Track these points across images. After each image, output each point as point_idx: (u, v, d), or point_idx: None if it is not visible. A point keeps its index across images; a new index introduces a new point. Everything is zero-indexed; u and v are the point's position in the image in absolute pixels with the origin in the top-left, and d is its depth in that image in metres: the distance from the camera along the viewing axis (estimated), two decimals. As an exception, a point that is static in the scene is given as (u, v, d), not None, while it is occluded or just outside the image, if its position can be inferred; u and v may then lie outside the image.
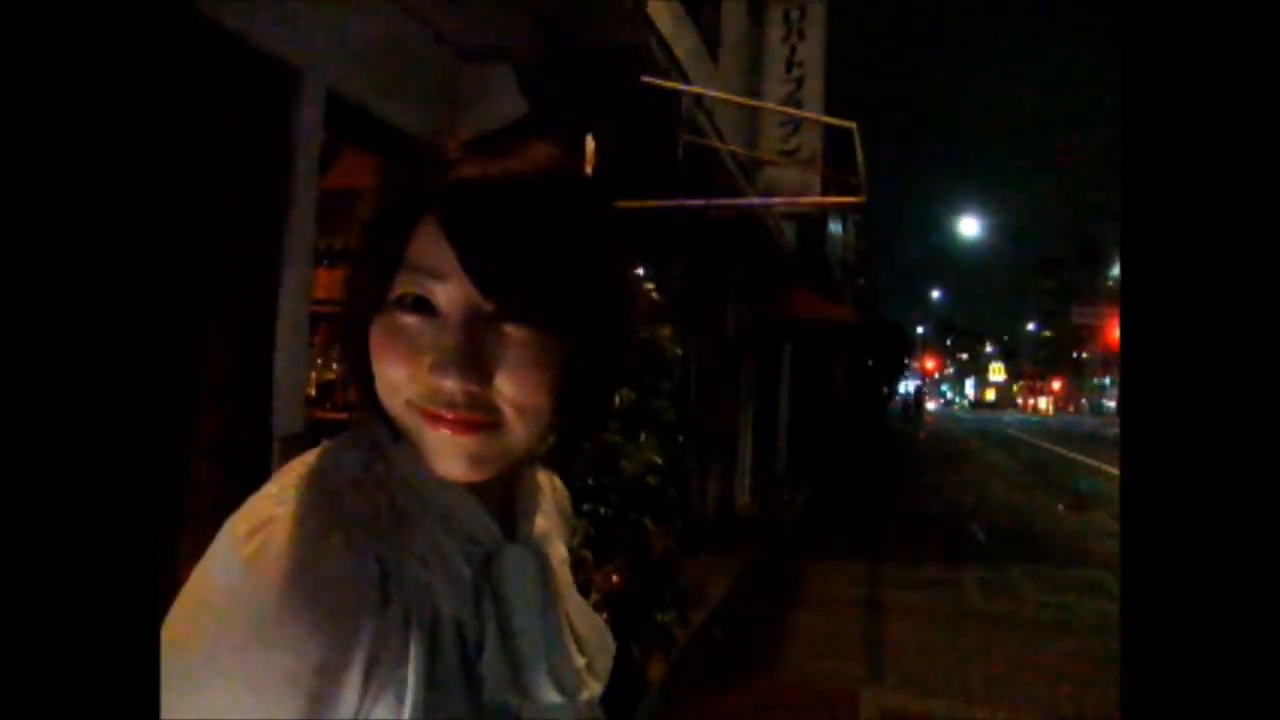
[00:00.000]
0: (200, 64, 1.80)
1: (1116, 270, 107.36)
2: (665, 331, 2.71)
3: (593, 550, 2.28)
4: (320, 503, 0.51)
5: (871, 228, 31.88)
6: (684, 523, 2.81)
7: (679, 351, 2.73)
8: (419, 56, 2.74)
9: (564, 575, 0.69)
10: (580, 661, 0.64)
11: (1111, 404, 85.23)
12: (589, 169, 2.91)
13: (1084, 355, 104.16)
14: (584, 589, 2.28)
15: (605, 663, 0.69)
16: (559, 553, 0.70)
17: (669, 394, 2.68)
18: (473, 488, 0.57)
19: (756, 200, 5.16)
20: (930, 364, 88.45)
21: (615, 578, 2.29)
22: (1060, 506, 11.46)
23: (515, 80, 2.85)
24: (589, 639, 0.67)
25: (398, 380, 0.53)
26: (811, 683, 4.25)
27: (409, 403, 0.53)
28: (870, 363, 27.14)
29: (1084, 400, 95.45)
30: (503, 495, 0.62)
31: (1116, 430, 36.91)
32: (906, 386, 54.97)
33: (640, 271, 5.49)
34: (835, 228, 17.34)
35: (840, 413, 20.16)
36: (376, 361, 0.54)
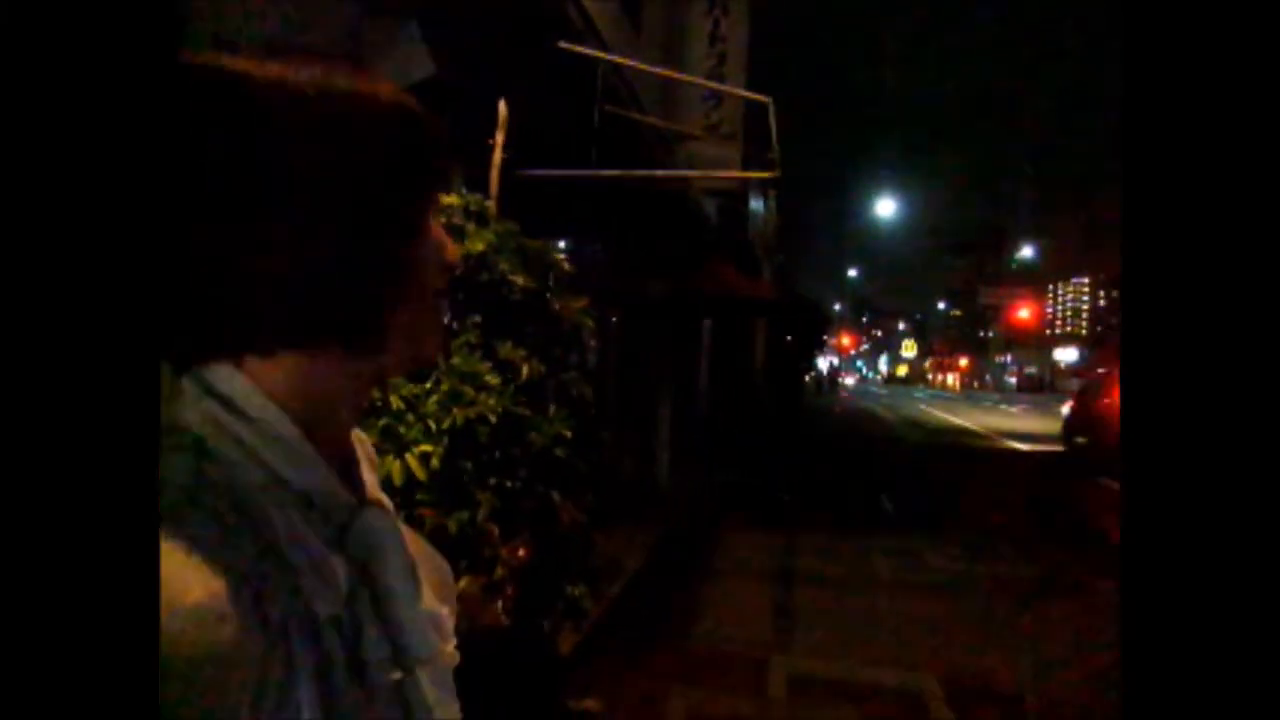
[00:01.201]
0: None
1: (1020, 253, 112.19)
2: (577, 303, 2.67)
3: (499, 524, 2.25)
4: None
5: (792, 206, 32.43)
6: (597, 495, 2.79)
7: (590, 323, 2.70)
8: (318, 6, 2.60)
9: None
10: (445, 610, 0.62)
11: (1012, 380, 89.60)
12: (501, 135, 2.83)
13: (989, 334, 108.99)
14: (490, 564, 2.25)
15: (451, 595, 0.68)
16: (382, 497, 0.66)
17: (580, 366, 2.65)
18: (320, 445, 0.53)
19: (671, 172, 5.14)
20: (847, 340, 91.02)
21: (522, 551, 2.26)
22: (963, 478, 11.99)
23: (422, 39, 2.74)
24: (437, 581, 0.65)
25: None
26: (722, 651, 4.33)
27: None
28: (789, 338, 27.70)
29: (988, 377, 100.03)
30: (342, 451, 0.59)
31: (1013, 405, 38.61)
32: (824, 362, 56.50)
33: (561, 243, 5.44)
34: (757, 205, 17.54)
35: (759, 387, 20.53)
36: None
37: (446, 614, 0.62)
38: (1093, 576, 5.92)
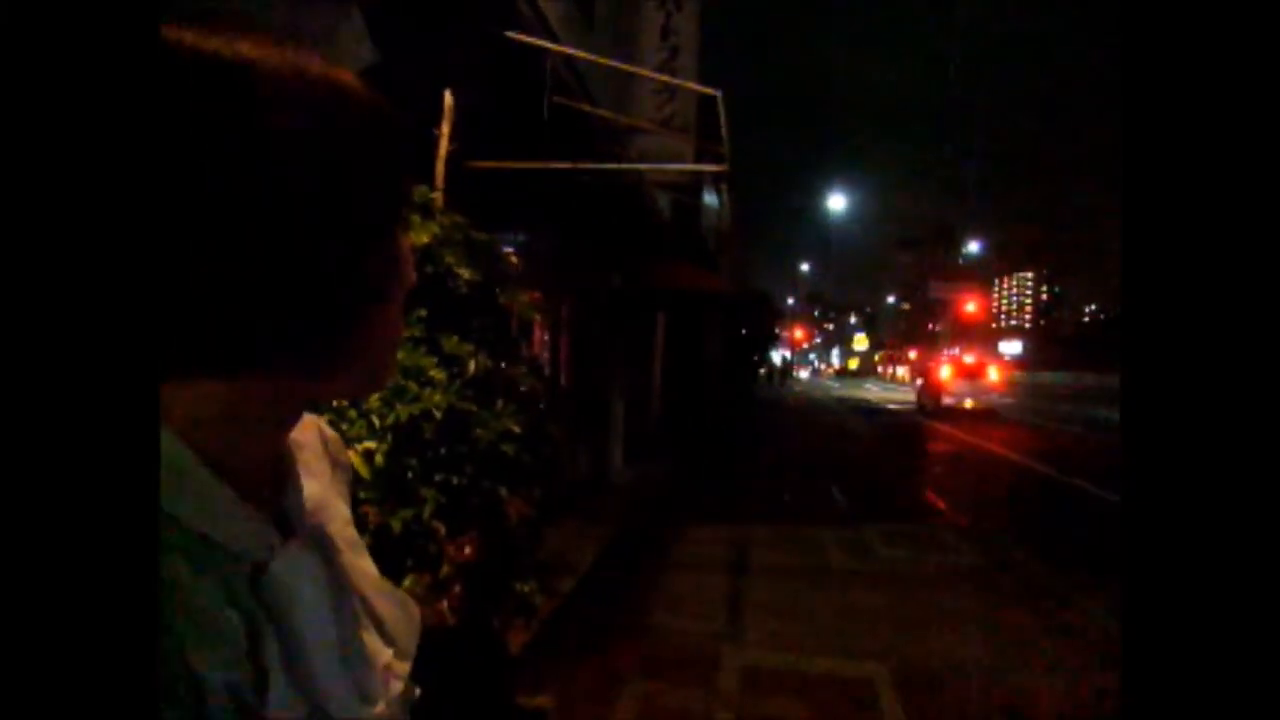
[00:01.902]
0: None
1: (968, 248, 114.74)
2: (523, 297, 2.64)
3: (445, 521, 2.21)
4: None
5: (747, 201, 32.64)
6: (548, 490, 2.77)
7: (538, 317, 2.67)
8: (254, -8, 2.51)
9: (349, 536, 0.60)
10: (386, 655, 0.56)
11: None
12: (446, 125, 2.78)
13: (937, 327, 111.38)
14: (435, 561, 2.21)
15: (411, 637, 0.61)
16: (341, 514, 0.61)
17: (529, 360, 2.62)
18: (237, 473, 0.47)
19: (621, 165, 5.12)
20: (799, 334, 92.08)
21: (468, 549, 2.22)
22: (911, 468, 12.23)
23: (365, 25, 2.67)
24: (391, 617, 0.59)
25: None
26: (675, 644, 4.34)
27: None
28: (743, 332, 27.91)
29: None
30: (270, 471, 0.53)
31: (963, 401, 39.63)
32: (777, 355, 57.24)
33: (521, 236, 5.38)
34: (710, 199, 17.60)
35: (713, 380, 20.65)
36: None
37: (392, 661, 0.56)
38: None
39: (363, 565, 0.60)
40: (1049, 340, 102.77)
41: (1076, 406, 26.73)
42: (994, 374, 27.55)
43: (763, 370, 42.06)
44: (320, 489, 0.59)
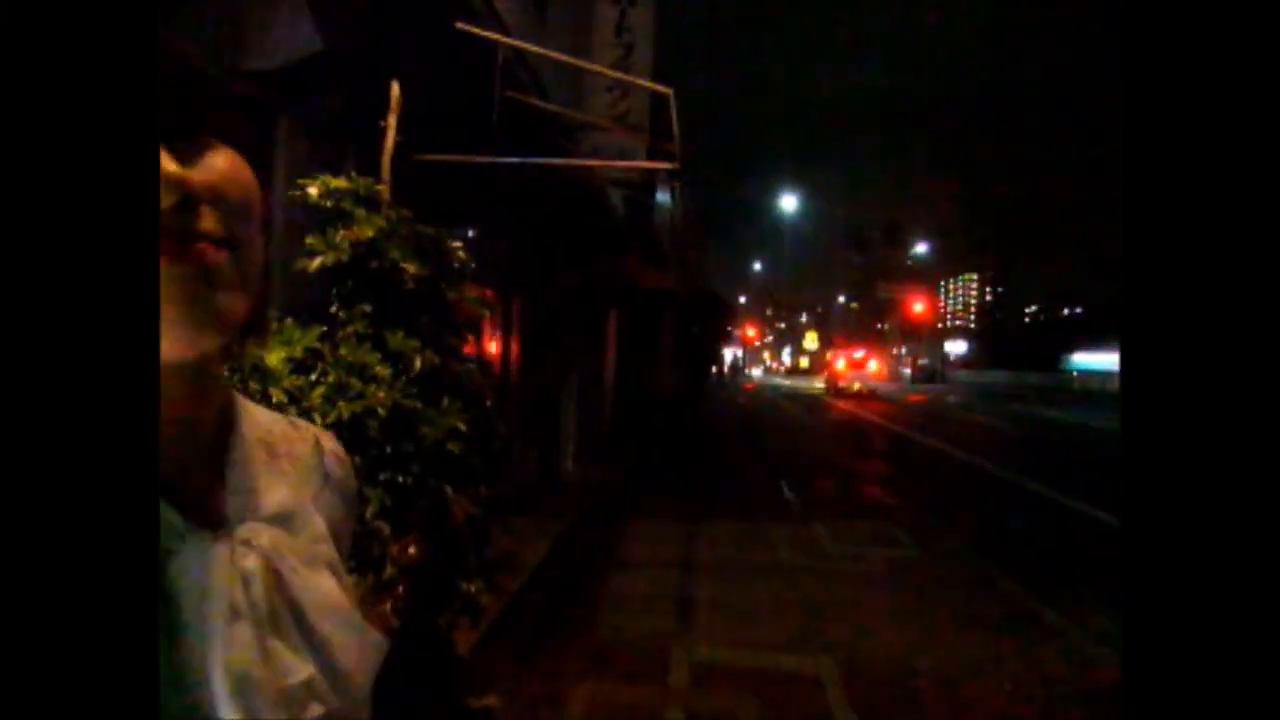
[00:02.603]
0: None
1: (916, 250, 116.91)
2: (472, 293, 2.60)
3: (389, 521, 2.16)
4: None
5: (700, 199, 32.78)
6: (496, 489, 2.73)
7: (486, 313, 2.63)
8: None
9: (316, 551, 0.59)
10: (303, 674, 0.54)
11: (907, 370, 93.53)
12: (393, 117, 2.72)
13: (886, 326, 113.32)
14: (379, 562, 2.16)
15: (359, 665, 0.59)
16: (312, 528, 0.60)
17: (476, 357, 2.58)
18: (169, 460, 0.47)
19: (570, 160, 5.08)
20: (752, 332, 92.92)
21: (413, 549, 2.18)
22: (860, 465, 12.43)
23: (309, 12, 2.60)
24: (339, 642, 0.57)
25: None
26: (626, 642, 4.34)
27: None
28: (696, 330, 28.03)
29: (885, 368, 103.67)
30: (191, 464, 0.52)
31: (912, 398, 40.95)
32: (730, 353, 57.90)
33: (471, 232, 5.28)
34: (664, 197, 17.63)
35: (666, 378, 20.70)
36: None
37: (315, 682, 0.54)
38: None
39: (317, 582, 0.58)
40: (992, 340, 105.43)
41: (930, 387, 41.35)
42: (873, 365, 43.11)
43: (715, 368, 42.39)
44: (292, 498, 0.58)
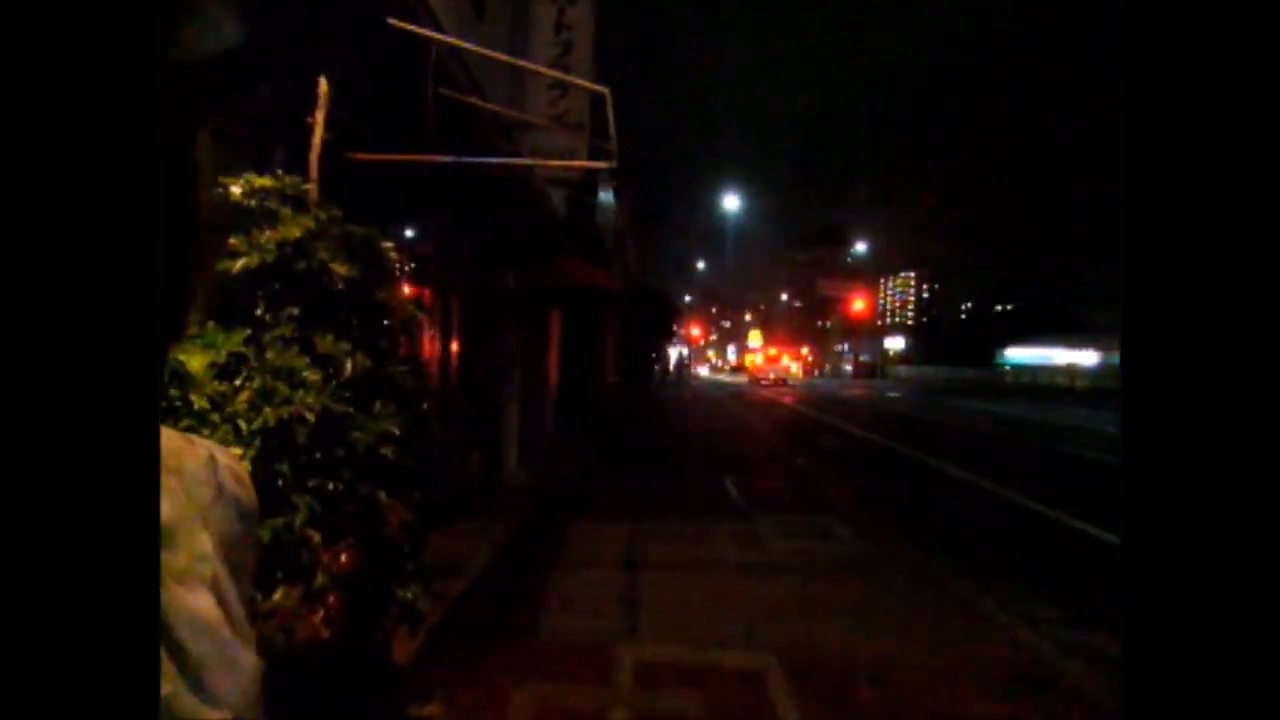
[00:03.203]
0: None
1: (856, 249, 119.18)
2: (406, 293, 2.55)
3: (320, 529, 2.10)
4: None
5: (645, 199, 32.86)
6: (433, 493, 2.68)
7: (420, 315, 2.59)
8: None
9: (195, 570, 0.57)
10: (160, 690, 0.51)
11: (848, 367, 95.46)
12: (321, 113, 2.65)
13: (828, 324, 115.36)
14: (308, 572, 2.10)
15: (232, 687, 0.57)
16: (194, 546, 0.58)
17: (411, 359, 2.53)
18: None
19: (507, 159, 5.03)
20: (696, 331, 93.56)
21: (344, 557, 2.13)
22: (802, 460, 12.62)
23: (231, 3, 2.51)
24: (211, 661, 0.56)
25: None
26: (570, 644, 4.31)
27: None
28: (641, 329, 28.09)
29: (827, 365, 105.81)
30: None
31: (851, 392, 41.73)
32: (675, 352, 58.34)
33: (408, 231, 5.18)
34: (605, 196, 17.61)
35: (610, 377, 20.68)
36: None
37: (176, 700, 0.52)
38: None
39: (190, 601, 0.56)
40: (929, 336, 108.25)
41: (870, 381, 53.43)
42: (785, 360, 61.30)
43: (659, 367, 42.61)
44: (173, 514, 0.56)
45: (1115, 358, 65.14)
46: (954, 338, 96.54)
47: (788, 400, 31.80)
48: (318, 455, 2.16)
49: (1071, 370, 60.92)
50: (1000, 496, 9.55)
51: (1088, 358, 66.35)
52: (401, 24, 3.26)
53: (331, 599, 2.09)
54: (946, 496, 9.69)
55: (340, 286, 2.38)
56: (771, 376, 51.66)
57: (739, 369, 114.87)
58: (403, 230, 5.80)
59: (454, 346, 6.93)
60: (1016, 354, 72.96)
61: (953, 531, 7.76)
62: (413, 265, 6.21)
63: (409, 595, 2.57)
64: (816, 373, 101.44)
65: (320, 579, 2.06)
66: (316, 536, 2.09)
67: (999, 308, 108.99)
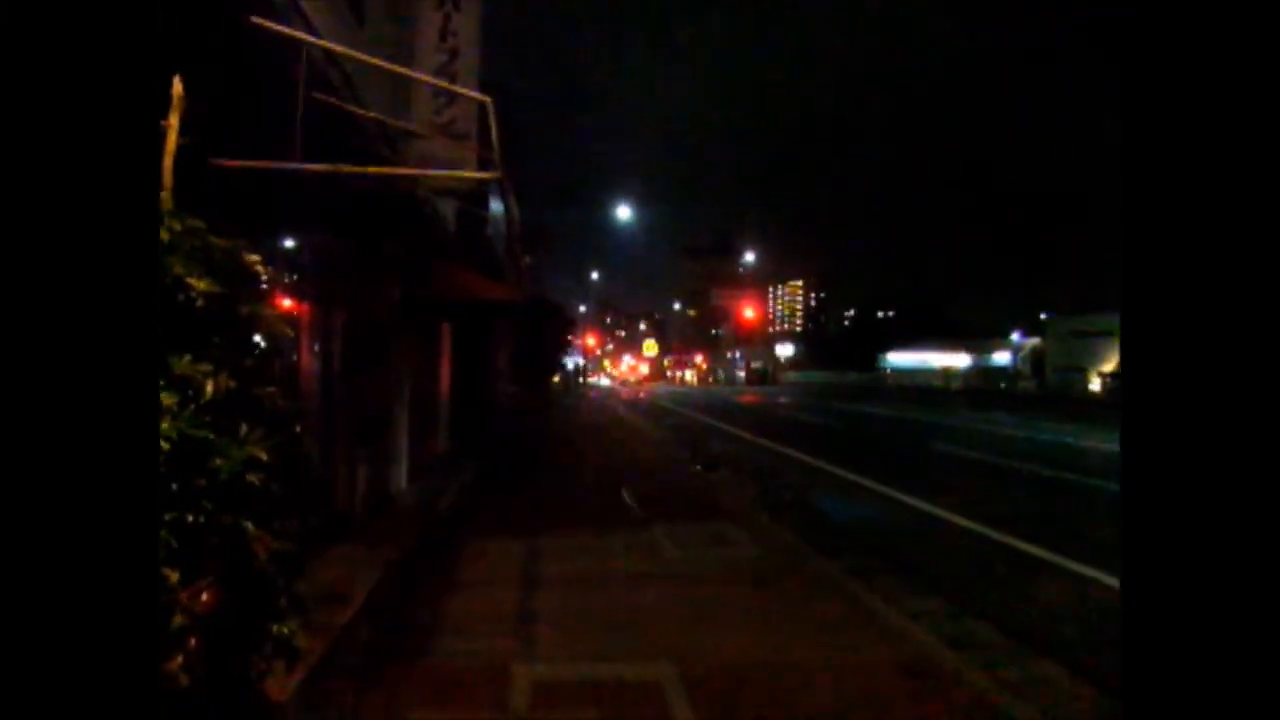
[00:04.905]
0: None
1: (745, 258, 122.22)
2: (272, 309, 2.40)
3: (178, 565, 1.94)
4: None
5: (538, 210, 32.70)
6: (309, 519, 2.53)
7: (289, 332, 2.44)
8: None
9: None
10: None
11: (741, 374, 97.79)
12: (175, 116, 2.47)
13: (720, 332, 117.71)
14: (165, 613, 1.93)
15: None
16: None
17: (280, 379, 2.38)
18: None
19: (386, 169, 4.87)
20: (592, 341, 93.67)
21: (205, 595, 1.97)
22: (698, 467, 12.77)
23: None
24: None
25: None
26: (464, 667, 4.18)
27: None
28: (536, 341, 27.85)
29: (720, 372, 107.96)
30: None
31: (743, 398, 42.73)
32: (572, 362, 58.36)
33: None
34: (497, 207, 17.37)
35: (505, 390, 20.39)
36: None
37: None
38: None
39: None
40: (817, 342, 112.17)
41: (761, 388, 62.76)
42: (643, 369, 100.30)
43: (556, 378, 42.46)
44: None
45: (985, 359, 69.48)
46: (840, 343, 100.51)
47: (684, 409, 32.24)
48: (174, 486, 1.99)
49: (948, 373, 64.52)
50: (886, 495, 9.94)
51: (961, 359, 70.49)
52: (266, 23, 3.09)
53: (192, 641, 1.93)
54: (835, 497, 10.01)
55: (200, 303, 2.21)
56: (634, 381, 70.05)
57: (625, 381, 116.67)
58: (280, 241, 5.52)
59: (337, 362, 6.64)
60: (897, 358, 76.77)
61: (842, 531, 8.01)
62: (294, 278, 5.91)
63: (285, 630, 2.40)
64: (710, 379, 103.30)
65: (179, 619, 1.90)
66: (174, 575, 1.93)
67: (880, 314, 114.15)
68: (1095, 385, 46.28)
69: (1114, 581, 5.97)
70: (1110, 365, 56.05)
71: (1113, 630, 5.04)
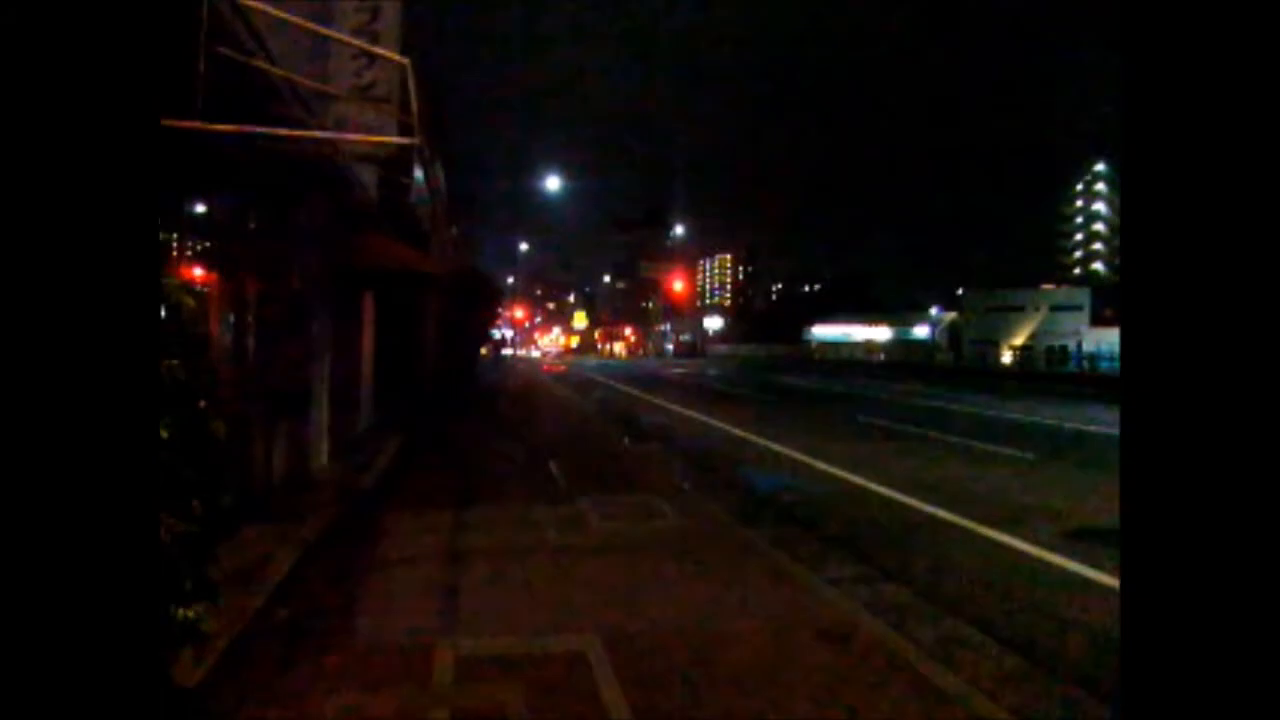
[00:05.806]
0: None
1: (676, 231, 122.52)
2: (173, 280, 2.27)
3: (70, 551, 1.83)
4: None
5: (467, 179, 31.98)
6: (218, 498, 2.42)
7: (191, 301, 2.31)
8: None
9: None
10: None
11: (670, 347, 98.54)
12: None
13: (650, 304, 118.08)
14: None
15: None
16: None
17: (183, 353, 2.26)
18: None
19: (296, 132, 4.66)
20: (521, 313, 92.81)
21: (101, 581, 1.86)
22: (626, 440, 12.83)
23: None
24: None
25: None
26: (386, 645, 4.11)
27: None
28: (463, 312, 27.37)
29: (650, 344, 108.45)
30: None
31: (673, 371, 43.05)
32: (500, 334, 57.88)
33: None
34: (422, 176, 16.89)
35: (431, 362, 20.03)
36: None
37: None
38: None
39: None
40: (744, 316, 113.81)
41: (690, 359, 65.79)
42: (573, 341, 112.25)
43: (485, 350, 42.05)
44: None
45: (905, 332, 71.80)
46: (767, 317, 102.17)
47: (613, 381, 32.30)
48: (65, 466, 1.87)
49: (870, 345, 66.41)
50: (810, 466, 10.19)
51: (882, 333, 72.66)
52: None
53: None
54: (761, 469, 10.21)
55: (90, 271, 2.07)
56: (554, 354, 75.38)
57: (567, 350, 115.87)
58: (189, 208, 5.23)
59: (251, 333, 6.37)
60: (822, 331, 78.61)
61: (766, 502, 8.18)
62: (205, 245, 5.62)
63: (190, 614, 2.31)
64: (640, 352, 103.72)
65: (71, 608, 1.79)
66: (65, 560, 1.82)
67: (807, 288, 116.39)
68: (1007, 358, 48.35)
69: (997, 536, 6.27)
70: (1020, 339, 58.64)
71: (1011, 586, 5.29)
